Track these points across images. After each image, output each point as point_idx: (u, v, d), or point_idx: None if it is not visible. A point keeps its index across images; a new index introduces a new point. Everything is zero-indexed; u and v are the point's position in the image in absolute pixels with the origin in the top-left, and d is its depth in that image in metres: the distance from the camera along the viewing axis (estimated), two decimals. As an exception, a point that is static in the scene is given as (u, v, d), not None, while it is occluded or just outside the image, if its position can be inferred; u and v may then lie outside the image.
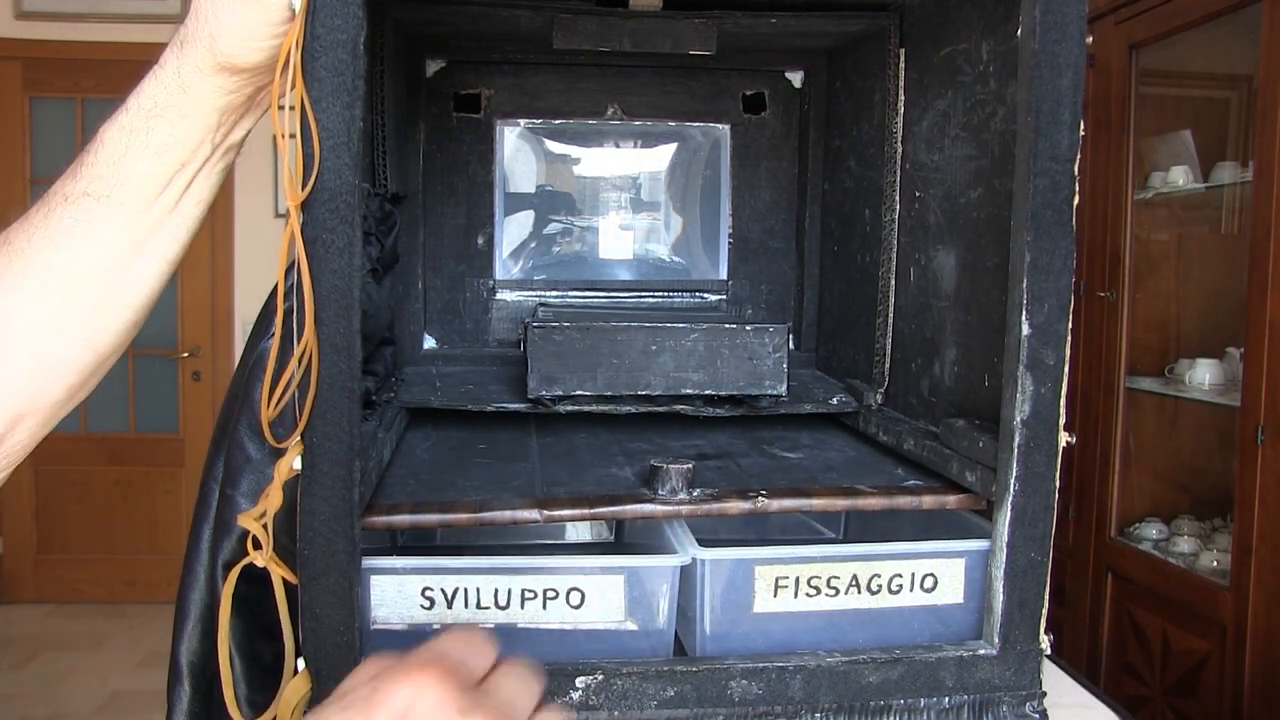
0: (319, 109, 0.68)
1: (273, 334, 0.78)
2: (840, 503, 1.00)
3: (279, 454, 0.74)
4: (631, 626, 0.89)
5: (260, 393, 0.73)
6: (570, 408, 1.19)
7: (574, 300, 1.49)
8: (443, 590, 0.85)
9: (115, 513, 4.21)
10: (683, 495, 0.97)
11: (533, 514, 0.91)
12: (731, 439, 1.24)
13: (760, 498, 0.98)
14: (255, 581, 0.79)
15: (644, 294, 1.51)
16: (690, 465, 0.98)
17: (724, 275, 1.53)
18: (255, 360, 0.87)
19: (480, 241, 1.46)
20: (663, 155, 1.54)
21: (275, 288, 0.86)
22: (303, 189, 0.67)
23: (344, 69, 0.69)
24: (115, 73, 3.98)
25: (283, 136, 0.68)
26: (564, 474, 1.05)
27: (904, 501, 1.01)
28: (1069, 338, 0.88)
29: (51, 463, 4.17)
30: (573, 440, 1.22)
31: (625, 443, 1.21)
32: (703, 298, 1.52)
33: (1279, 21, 2.03)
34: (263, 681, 0.89)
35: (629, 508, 0.96)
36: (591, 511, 0.94)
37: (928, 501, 1.01)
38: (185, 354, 4.15)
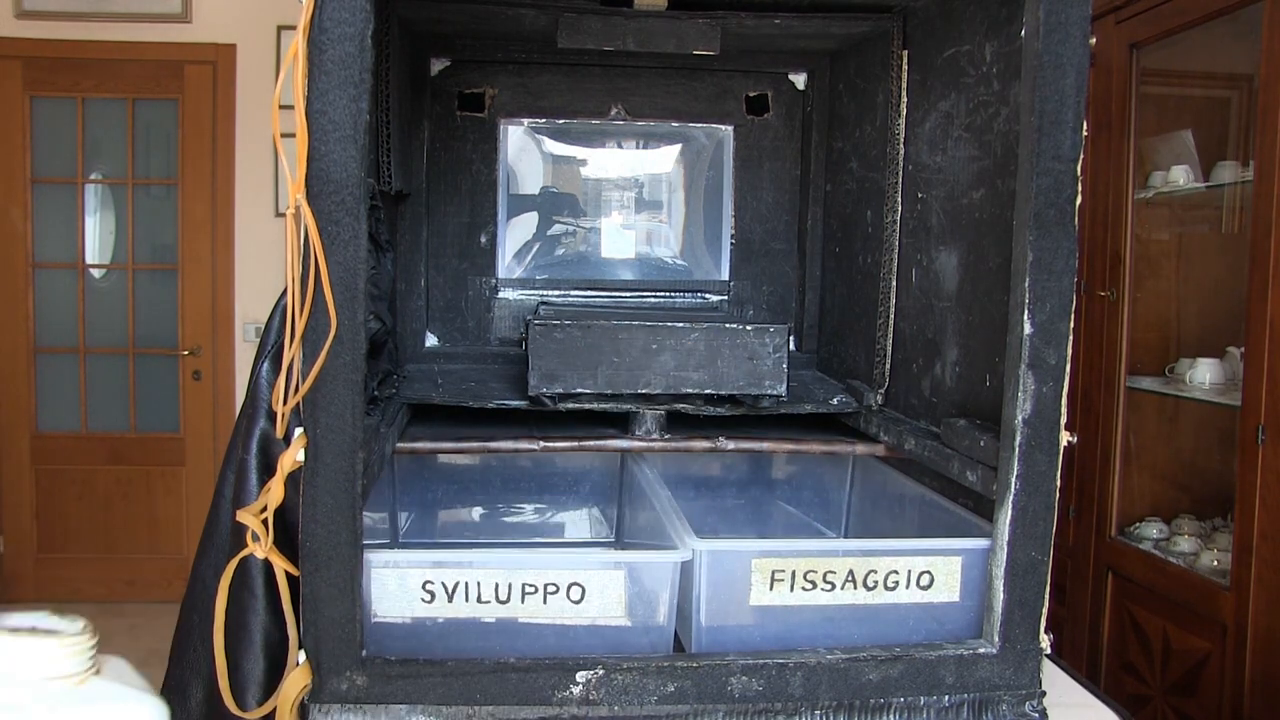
0: (325, 101, 0.68)
1: (275, 344, 0.78)
2: (786, 446, 1.28)
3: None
4: (631, 622, 0.89)
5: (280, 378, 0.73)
6: (571, 405, 1.19)
7: (576, 299, 1.49)
8: (444, 584, 0.85)
9: (115, 512, 4.20)
10: (655, 436, 1.21)
11: (532, 445, 1.17)
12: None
13: (720, 439, 1.23)
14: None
15: (646, 294, 1.51)
16: (662, 411, 1.21)
17: (726, 276, 1.53)
18: (274, 349, 0.88)
19: (483, 240, 1.47)
20: (666, 156, 1.54)
21: (284, 291, 0.86)
22: (305, 180, 0.68)
23: (351, 62, 0.69)
24: (115, 72, 3.97)
25: (282, 135, 0.68)
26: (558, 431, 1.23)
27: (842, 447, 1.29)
28: (1070, 337, 0.89)
29: (52, 462, 4.16)
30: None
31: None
32: (704, 298, 1.52)
33: (1279, 21, 2.04)
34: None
35: (611, 443, 1.21)
36: (580, 445, 1.20)
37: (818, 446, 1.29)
38: (186, 353, 4.15)
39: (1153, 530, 2.56)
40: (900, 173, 1.26)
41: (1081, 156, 0.87)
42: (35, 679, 0.51)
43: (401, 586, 0.84)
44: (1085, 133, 0.86)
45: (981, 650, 0.92)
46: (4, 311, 4.05)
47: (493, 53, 1.41)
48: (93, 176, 4.11)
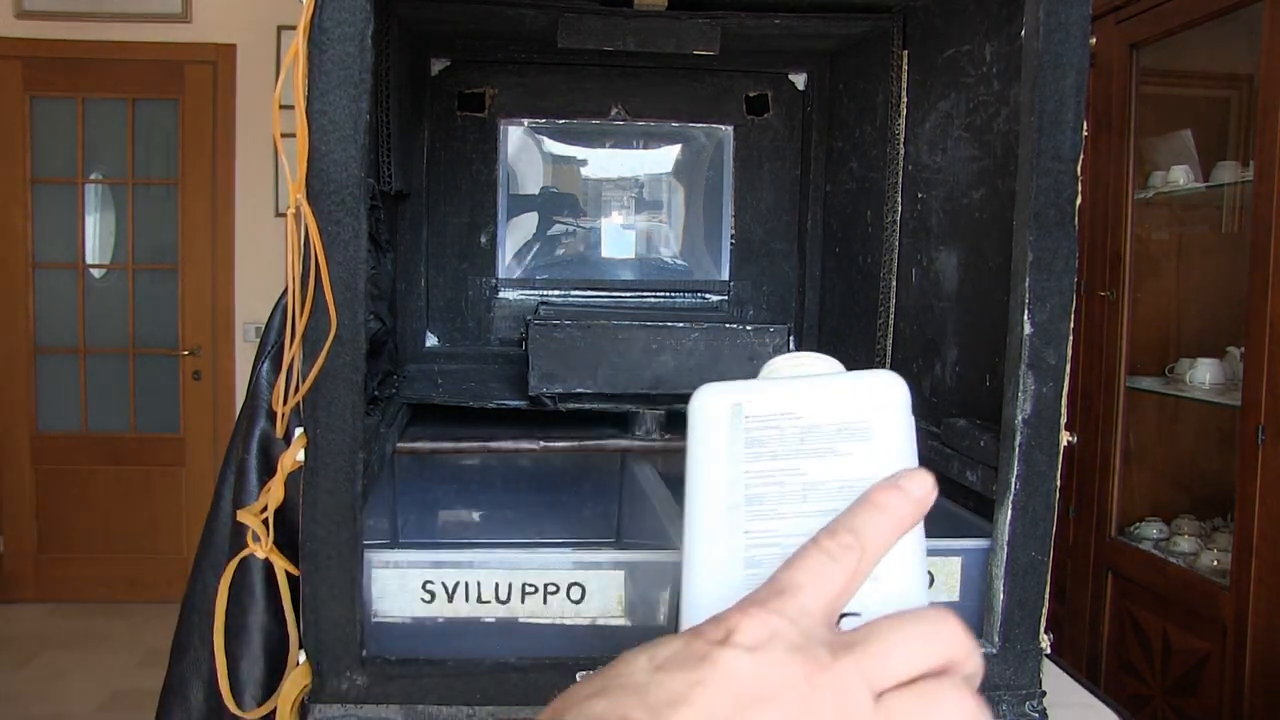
0: (325, 101, 0.69)
1: (275, 344, 0.78)
2: None
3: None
4: (631, 622, 0.89)
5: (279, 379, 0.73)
6: (571, 405, 1.19)
7: (576, 299, 1.49)
8: (444, 584, 0.85)
9: (116, 512, 4.21)
10: (655, 436, 1.20)
11: (532, 444, 1.18)
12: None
13: None
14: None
15: (646, 294, 1.51)
16: (663, 411, 1.21)
17: (726, 276, 1.53)
18: (274, 349, 0.88)
19: (483, 240, 1.47)
20: (666, 156, 1.54)
21: (284, 291, 0.86)
22: (305, 180, 0.68)
23: (351, 62, 0.69)
24: (115, 72, 3.98)
25: (282, 135, 0.68)
26: (558, 431, 1.24)
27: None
28: (1070, 337, 0.89)
29: (52, 462, 4.17)
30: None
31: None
32: (704, 298, 1.52)
33: (1279, 21, 2.04)
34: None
35: (611, 443, 1.20)
36: (580, 445, 1.20)
37: None
38: (186, 353, 4.16)
39: (1153, 530, 2.56)
40: (900, 173, 1.26)
41: (1081, 156, 0.87)
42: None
43: (402, 586, 0.84)
44: (1085, 133, 0.85)
45: (981, 650, 0.92)
46: (4, 311, 4.05)
47: (493, 53, 1.41)
48: (93, 176, 4.11)
